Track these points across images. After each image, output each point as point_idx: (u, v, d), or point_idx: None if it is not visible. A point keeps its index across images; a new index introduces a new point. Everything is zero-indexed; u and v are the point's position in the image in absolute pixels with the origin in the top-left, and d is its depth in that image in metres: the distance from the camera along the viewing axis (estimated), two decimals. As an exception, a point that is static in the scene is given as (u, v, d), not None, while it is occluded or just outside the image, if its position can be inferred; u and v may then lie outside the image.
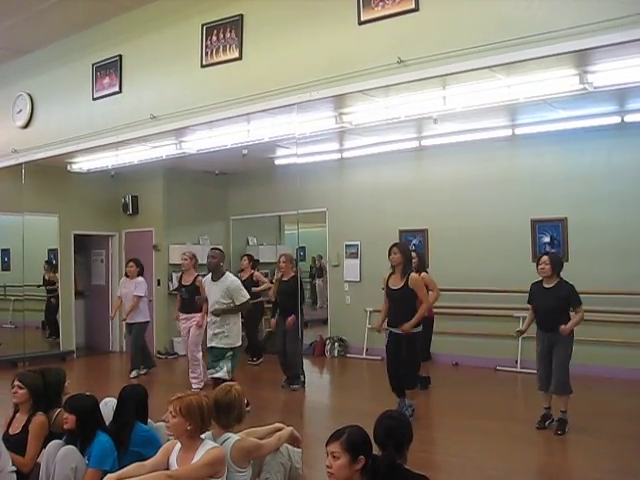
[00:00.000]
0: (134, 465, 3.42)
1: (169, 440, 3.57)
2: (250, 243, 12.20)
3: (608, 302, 7.85)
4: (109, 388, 7.07)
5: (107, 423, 4.03)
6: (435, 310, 8.91)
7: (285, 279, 8.05)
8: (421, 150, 9.22)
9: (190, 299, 8.05)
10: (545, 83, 5.34)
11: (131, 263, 9.00)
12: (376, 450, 3.03)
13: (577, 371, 7.84)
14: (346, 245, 10.38)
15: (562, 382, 5.79)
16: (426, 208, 9.51)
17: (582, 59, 4.84)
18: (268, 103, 5.88)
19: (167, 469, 3.36)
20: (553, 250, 8.38)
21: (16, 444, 4.10)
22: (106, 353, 10.76)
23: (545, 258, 5.89)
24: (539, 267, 5.88)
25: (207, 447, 3.33)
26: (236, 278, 6.94)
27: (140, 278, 8.93)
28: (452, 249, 9.15)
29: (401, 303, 6.08)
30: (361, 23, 5.20)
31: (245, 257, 10.02)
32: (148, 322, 9.12)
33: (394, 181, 9.87)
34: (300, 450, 3.82)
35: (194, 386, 7.67)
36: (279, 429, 3.82)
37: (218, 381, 6.44)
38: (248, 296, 6.74)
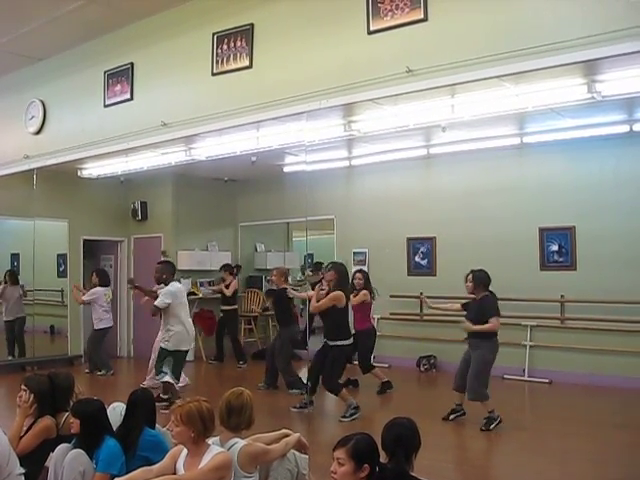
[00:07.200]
0: (141, 470, 3.44)
1: (176, 445, 3.59)
2: (258, 250, 12.23)
3: (616, 311, 7.82)
4: (117, 393, 7.10)
5: (115, 428, 4.05)
6: (443, 317, 8.95)
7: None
8: (429, 158, 9.24)
9: None
10: (553, 92, 5.35)
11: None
12: (383, 457, 3.04)
13: (586, 380, 7.88)
14: (354, 252, 10.38)
15: (473, 389, 6.18)
16: (434, 216, 9.52)
17: (590, 68, 4.86)
18: (278, 111, 5.92)
19: (174, 474, 3.38)
20: (561, 259, 8.40)
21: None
22: (113, 358, 10.77)
23: (470, 276, 6.37)
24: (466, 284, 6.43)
25: (214, 452, 3.35)
26: (169, 287, 7.14)
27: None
28: (460, 257, 9.10)
29: (327, 318, 6.74)
30: (370, 33, 5.24)
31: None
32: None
33: (402, 189, 9.89)
34: (307, 456, 3.82)
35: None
36: (286, 435, 3.83)
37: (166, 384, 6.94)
38: (160, 301, 7.00)
